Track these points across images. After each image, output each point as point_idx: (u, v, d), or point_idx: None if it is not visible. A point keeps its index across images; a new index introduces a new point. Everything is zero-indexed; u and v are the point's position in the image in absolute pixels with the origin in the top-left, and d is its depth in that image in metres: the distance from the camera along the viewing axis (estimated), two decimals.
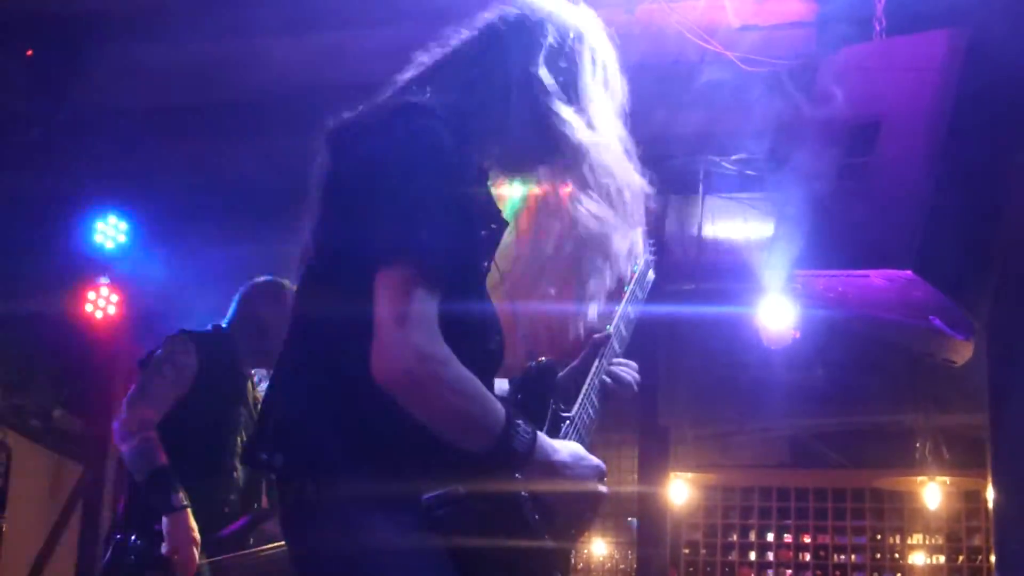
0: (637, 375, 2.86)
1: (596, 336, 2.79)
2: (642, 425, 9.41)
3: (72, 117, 6.61)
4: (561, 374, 2.67)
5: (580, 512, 2.43)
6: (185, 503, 4.15)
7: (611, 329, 2.81)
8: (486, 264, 2.39)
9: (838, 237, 4.14)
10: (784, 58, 5.39)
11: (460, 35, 2.45)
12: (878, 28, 4.52)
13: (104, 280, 7.59)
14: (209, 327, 4.61)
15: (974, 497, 12.94)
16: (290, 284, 4.72)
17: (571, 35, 2.42)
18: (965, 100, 4.01)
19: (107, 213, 7.46)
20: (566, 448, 2.35)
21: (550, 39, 2.38)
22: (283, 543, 4.45)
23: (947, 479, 12.20)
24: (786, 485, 13.82)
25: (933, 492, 12.14)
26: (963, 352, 4.57)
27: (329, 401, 2.22)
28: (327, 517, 2.20)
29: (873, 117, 4.15)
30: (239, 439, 4.50)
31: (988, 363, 5.48)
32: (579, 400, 2.60)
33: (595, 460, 2.40)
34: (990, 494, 6.82)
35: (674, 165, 6.86)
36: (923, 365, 5.57)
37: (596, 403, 2.67)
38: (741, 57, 5.31)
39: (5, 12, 5.94)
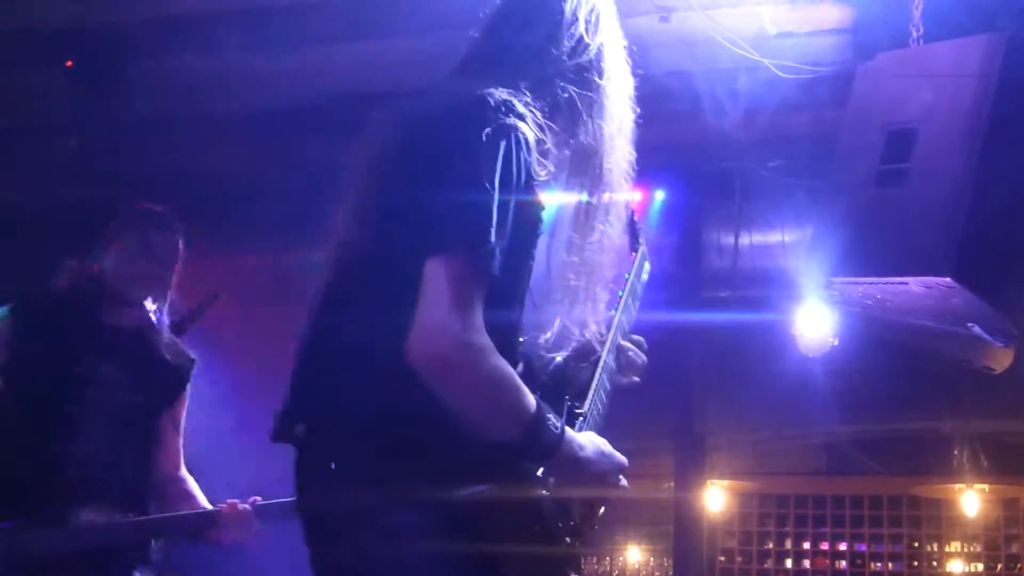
0: (643, 356, 2.87)
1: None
2: (678, 432, 9.39)
3: (109, 125, 6.68)
4: (573, 368, 2.67)
5: (598, 508, 2.48)
6: None
7: (614, 312, 2.81)
8: (531, 263, 2.42)
9: (876, 244, 4.13)
10: (821, 65, 5.38)
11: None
12: (915, 34, 4.51)
13: None
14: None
15: (1013, 505, 12.83)
16: None
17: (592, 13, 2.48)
18: (1002, 105, 3.99)
19: None
20: (591, 444, 2.40)
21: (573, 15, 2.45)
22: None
23: (985, 486, 12.12)
24: (822, 492, 13.74)
25: (971, 500, 12.06)
26: (1002, 359, 4.54)
27: (356, 384, 2.22)
28: (342, 501, 2.20)
29: (910, 123, 4.14)
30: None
31: None
32: (589, 395, 2.63)
33: (618, 456, 2.45)
34: None
35: (711, 172, 6.87)
36: (961, 372, 5.53)
37: (604, 397, 2.70)
38: (777, 64, 5.30)
39: (45, 23, 6.00)
